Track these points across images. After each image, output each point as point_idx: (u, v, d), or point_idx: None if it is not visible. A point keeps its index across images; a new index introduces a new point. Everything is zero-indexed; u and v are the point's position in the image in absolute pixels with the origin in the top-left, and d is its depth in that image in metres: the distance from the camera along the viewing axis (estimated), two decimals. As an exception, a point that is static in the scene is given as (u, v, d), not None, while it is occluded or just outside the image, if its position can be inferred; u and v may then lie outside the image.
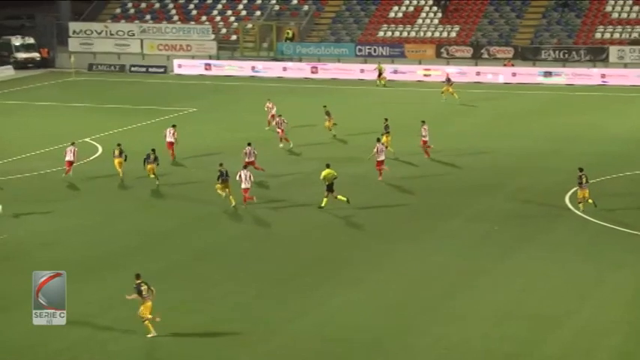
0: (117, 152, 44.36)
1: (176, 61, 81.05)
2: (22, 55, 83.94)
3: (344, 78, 74.70)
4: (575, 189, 38.97)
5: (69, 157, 44.23)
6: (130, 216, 39.39)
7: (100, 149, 50.24)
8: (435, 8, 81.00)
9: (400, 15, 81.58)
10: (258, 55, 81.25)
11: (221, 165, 40.11)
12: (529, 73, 72.94)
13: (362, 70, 75.43)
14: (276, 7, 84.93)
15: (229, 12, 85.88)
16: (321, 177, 39.25)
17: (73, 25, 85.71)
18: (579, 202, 38.42)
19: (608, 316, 28.48)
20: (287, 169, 45.87)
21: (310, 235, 36.56)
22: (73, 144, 44.92)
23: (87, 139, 52.40)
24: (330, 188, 38.90)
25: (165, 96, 68.72)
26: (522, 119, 58.90)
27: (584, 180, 38.11)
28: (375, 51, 78.01)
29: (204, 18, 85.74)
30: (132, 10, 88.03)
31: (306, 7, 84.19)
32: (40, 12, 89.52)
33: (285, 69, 77.63)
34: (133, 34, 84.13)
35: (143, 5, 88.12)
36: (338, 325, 27.90)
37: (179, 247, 35.15)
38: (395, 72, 74.86)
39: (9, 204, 40.42)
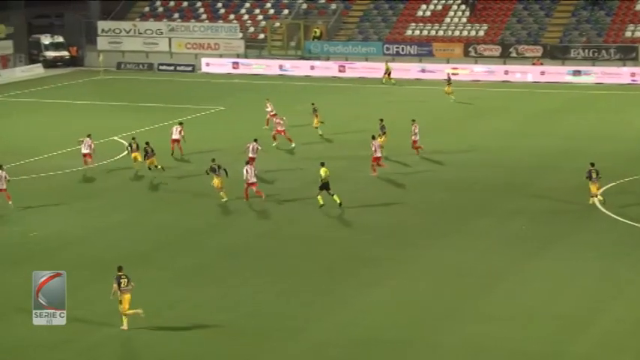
0: (134, 146, 45.15)
1: (204, 60, 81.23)
2: (51, 54, 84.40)
3: (371, 77, 74.55)
4: (599, 186, 38.79)
5: (85, 149, 45.22)
6: (156, 213, 39.45)
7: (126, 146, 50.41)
8: (463, 7, 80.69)
9: (428, 14, 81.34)
10: (286, 54, 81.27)
11: (213, 160, 40.58)
12: (558, 72, 72.55)
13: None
14: (304, 6, 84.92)
15: (257, 11, 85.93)
16: (322, 176, 38.67)
17: (102, 24, 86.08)
18: (592, 197, 38.39)
19: (638, 316, 28.24)
20: (310, 168, 45.69)
21: (335, 233, 36.48)
22: (88, 136, 45.60)
23: (115, 138, 52.60)
24: (325, 187, 38.72)
25: (192, 95, 68.87)
26: (551, 118, 58.58)
27: (594, 175, 38.20)
28: (402, 50, 77.85)
29: (232, 17, 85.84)
30: (160, 9, 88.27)
31: (334, 6, 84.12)
32: (70, 11, 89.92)
33: (312, 68, 77.60)
34: (162, 33, 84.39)
35: (171, 4, 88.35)
36: (364, 324, 27.81)
37: (205, 245, 35.18)
38: (423, 71, 74.72)
39: (38, 201, 40.74)
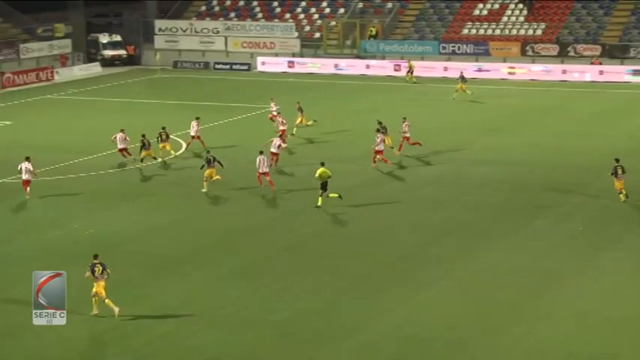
0: (163, 136, 46.20)
1: (260, 59, 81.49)
2: (109, 53, 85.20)
3: (427, 76, 74.24)
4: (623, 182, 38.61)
5: (120, 144, 46.20)
6: (210, 211, 39.54)
7: (184, 146, 50.68)
8: (520, 6, 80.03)
9: (485, 12, 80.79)
10: (342, 53, 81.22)
11: (208, 152, 42.03)
12: (617, 72, 71.64)
13: (445, 68, 74.96)
14: (360, 5, 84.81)
15: (313, 9, 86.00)
16: (316, 175, 38.86)
17: (159, 23, 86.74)
18: (619, 193, 38.35)
19: (697, 319, 27.78)
20: (359, 169, 45.61)
21: (390, 233, 36.29)
22: (122, 131, 46.48)
23: (171, 136, 52.81)
24: (323, 187, 38.69)
25: (248, 93, 69.05)
26: (609, 118, 57.88)
27: (619, 171, 38.32)
28: (458, 49, 77.44)
29: (287, 16, 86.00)
30: (217, 8, 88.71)
31: (389, 5, 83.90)
32: (128, 10, 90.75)
33: (368, 67, 77.46)
34: (218, 32, 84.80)
35: (228, 3, 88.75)
36: (419, 324, 27.65)
37: (260, 243, 35.19)
38: (479, 70, 74.26)
39: (94, 199, 41.09)
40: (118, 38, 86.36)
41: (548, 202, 39.79)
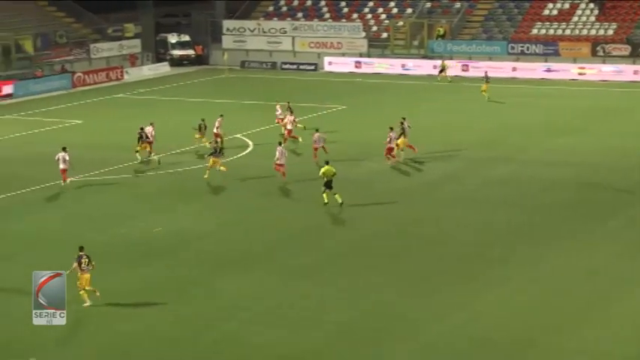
0: (202, 128, 48.48)
1: (327, 59, 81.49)
2: (177, 53, 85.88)
3: (495, 76, 73.55)
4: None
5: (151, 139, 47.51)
6: (275, 211, 39.46)
7: (251, 145, 50.87)
8: (591, 5, 78.90)
9: (555, 12, 79.81)
10: (409, 53, 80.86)
11: (216, 142, 44.77)
12: (690, 72, 70.38)
13: (514, 69, 74.25)
14: (428, 5, 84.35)
15: (380, 10, 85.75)
16: (320, 173, 39.07)
17: (227, 23, 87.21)
18: None
19: None
20: (418, 169, 45.36)
21: (454, 233, 36.00)
22: (151, 125, 48.03)
23: (238, 135, 53.13)
24: (328, 185, 38.71)
25: (315, 93, 69.06)
26: (682, 119, 56.87)
27: None
28: (527, 49, 76.57)
29: (355, 15, 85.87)
30: (284, 8, 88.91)
31: (458, 5, 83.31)
32: (196, 10, 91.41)
33: (435, 67, 76.95)
34: (285, 32, 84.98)
35: (295, 3, 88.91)
36: (484, 325, 27.36)
37: (324, 243, 35.15)
38: (548, 70, 73.41)
39: (163, 198, 41.42)
40: (186, 38, 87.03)
41: (620, 203, 39.14)
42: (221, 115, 50.23)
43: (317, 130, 46.75)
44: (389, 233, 36.23)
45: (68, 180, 42.65)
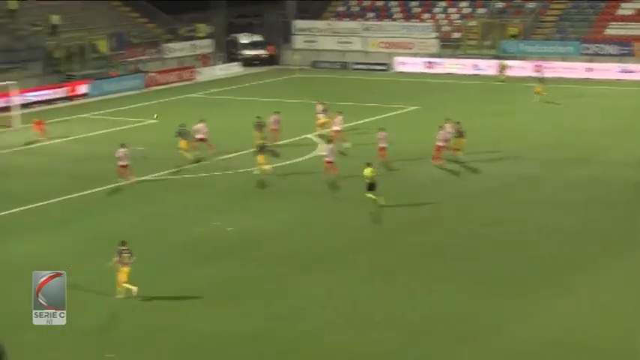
0: (260, 124, 48.98)
1: (398, 59, 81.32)
2: (249, 53, 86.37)
3: (568, 77, 72.81)
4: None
5: (200, 135, 48.14)
6: (349, 211, 39.38)
7: (321, 145, 50.98)
8: (667, 5, 77.73)
9: (631, 12, 78.66)
10: (480, 53, 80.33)
11: (265, 139, 46.71)
12: None
13: (588, 69, 73.41)
14: (500, 5, 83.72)
15: (452, 9, 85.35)
16: (365, 175, 39.08)
17: (298, 23, 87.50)
18: None
19: None
20: (492, 171, 44.98)
21: (528, 236, 35.60)
22: (201, 121, 48.71)
23: (308, 135, 53.26)
24: (371, 187, 38.79)
25: (386, 94, 68.98)
26: None
27: None
28: (601, 50, 75.59)
29: (426, 15, 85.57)
30: (355, 8, 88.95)
31: (531, 5, 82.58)
32: (268, 11, 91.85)
33: (499, 68, 76.31)
34: (356, 32, 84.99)
35: (366, 3, 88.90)
36: (561, 328, 27.03)
37: (394, 244, 35.03)
38: (623, 71, 72.42)
39: (235, 197, 41.68)
40: (258, 38, 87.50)
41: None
42: (277, 112, 50.64)
43: (382, 130, 46.56)
44: (462, 235, 36.00)
45: (132, 178, 43.15)
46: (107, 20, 79.99)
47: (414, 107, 62.67)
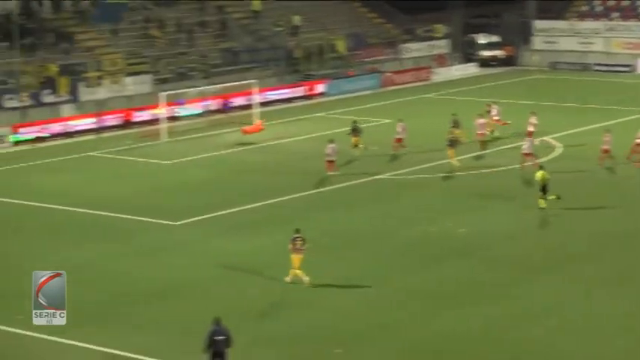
0: (355, 129, 49.40)
1: (642, 61, 78.31)
2: (485, 53, 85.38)
3: None
4: None
5: (400, 135, 49.20)
6: (578, 217, 38.23)
7: (561, 148, 49.70)
8: None
9: None
10: None
11: (453, 132, 47.54)
12: None
13: None
14: None
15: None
16: (537, 179, 38.76)
17: (538, 24, 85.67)
18: None
19: None
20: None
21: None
22: (400, 121, 49.92)
23: (545, 138, 52.02)
24: (544, 189, 38.41)
25: (628, 96, 66.44)
26: None
27: None
28: None
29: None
30: (599, 8, 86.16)
31: None
32: (507, 11, 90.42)
33: None
34: (598, 32, 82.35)
35: (611, 3, 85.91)
36: None
37: (626, 251, 33.41)
38: None
39: (470, 198, 41.24)
40: (495, 39, 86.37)
41: None
42: (493, 103, 51.65)
43: (608, 131, 45.61)
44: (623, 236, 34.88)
45: (335, 172, 44.40)
46: (346, 21, 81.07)
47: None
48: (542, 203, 38.49)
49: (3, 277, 32.20)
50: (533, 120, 51.20)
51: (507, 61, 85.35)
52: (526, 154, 44.70)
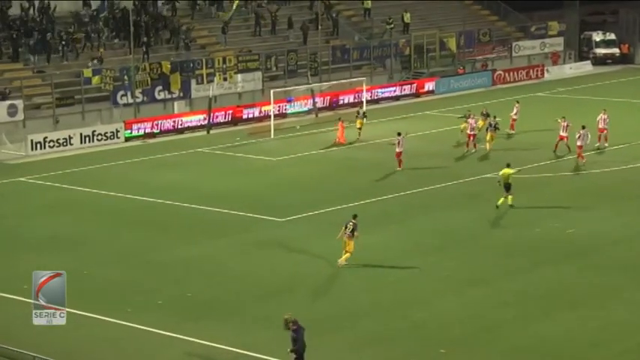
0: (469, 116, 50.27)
1: None
2: (601, 51, 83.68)
3: None
4: None
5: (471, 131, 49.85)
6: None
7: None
8: None
9: None
10: None
11: (490, 117, 49.76)
12: None
13: None
14: None
15: None
16: (500, 174, 39.00)
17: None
18: None
19: None
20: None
21: None
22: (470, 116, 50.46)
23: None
24: (507, 188, 38.51)
25: None
26: None
27: None
28: None
29: None
30: None
31: None
32: (625, 8, 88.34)
33: None
34: None
35: None
36: None
37: None
38: None
39: (584, 198, 40.62)
40: (611, 37, 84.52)
41: None
42: (517, 102, 54.46)
43: (583, 127, 46.13)
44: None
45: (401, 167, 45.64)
46: (458, 18, 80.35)
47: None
48: (501, 201, 38.29)
49: (117, 269, 32.77)
50: (605, 116, 50.16)
51: (623, 60, 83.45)
52: (579, 147, 45.56)
